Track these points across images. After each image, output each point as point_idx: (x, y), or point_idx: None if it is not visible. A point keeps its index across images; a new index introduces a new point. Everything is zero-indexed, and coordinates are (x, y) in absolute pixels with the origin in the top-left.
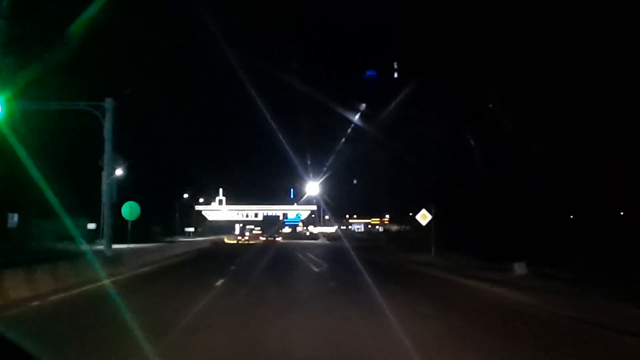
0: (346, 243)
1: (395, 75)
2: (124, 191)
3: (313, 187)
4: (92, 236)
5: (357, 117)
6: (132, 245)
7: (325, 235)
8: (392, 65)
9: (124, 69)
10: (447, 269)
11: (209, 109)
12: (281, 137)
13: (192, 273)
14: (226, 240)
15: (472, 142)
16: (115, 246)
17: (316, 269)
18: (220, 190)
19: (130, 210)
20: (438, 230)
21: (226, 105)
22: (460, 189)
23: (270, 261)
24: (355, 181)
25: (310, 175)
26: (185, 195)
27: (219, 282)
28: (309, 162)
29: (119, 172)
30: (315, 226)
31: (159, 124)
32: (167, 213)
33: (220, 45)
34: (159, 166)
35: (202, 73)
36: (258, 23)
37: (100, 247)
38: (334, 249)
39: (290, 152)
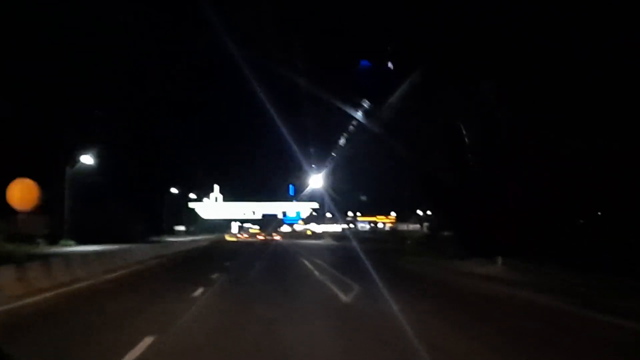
0: (355, 244)
1: (390, 65)
2: (93, 183)
3: (317, 180)
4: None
5: (358, 110)
6: (64, 249)
7: (330, 234)
8: (387, 55)
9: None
10: (569, 296)
11: (202, 97)
12: (281, 126)
13: (120, 308)
14: (227, 238)
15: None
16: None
17: (345, 298)
18: (216, 186)
19: (20, 194)
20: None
21: (221, 93)
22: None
23: (266, 276)
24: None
25: (314, 166)
26: (174, 190)
27: (140, 349)
28: (311, 152)
29: (87, 159)
30: (318, 224)
31: (143, 108)
32: (155, 210)
33: (214, 32)
34: (143, 156)
35: (195, 60)
36: (254, 7)
37: (68, 248)
38: (347, 253)
39: (290, 140)
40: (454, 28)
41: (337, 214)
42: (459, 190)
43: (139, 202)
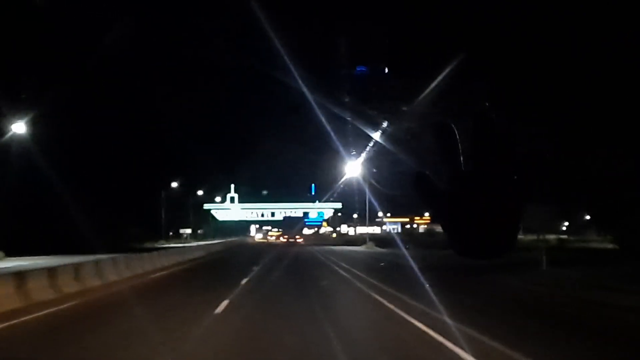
0: (406, 253)
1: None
2: (38, 168)
3: (354, 169)
4: None
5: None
6: None
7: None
8: (383, 59)
9: None
10: None
11: (215, 84)
12: (316, 108)
13: None
14: (256, 240)
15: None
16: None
17: None
18: (232, 186)
19: None
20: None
21: (237, 80)
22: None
23: None
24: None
25: (351, 150)
26: (175, 185)
27: None
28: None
29: (19, 128)
30: (351, 226)
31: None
32: (152, 209)
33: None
34: (132, 138)
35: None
36: None
37: None
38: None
39: (325, 123)
40: (449, 27)
41: (380, 211)
42: (458, 190)
43: (126, 199)
